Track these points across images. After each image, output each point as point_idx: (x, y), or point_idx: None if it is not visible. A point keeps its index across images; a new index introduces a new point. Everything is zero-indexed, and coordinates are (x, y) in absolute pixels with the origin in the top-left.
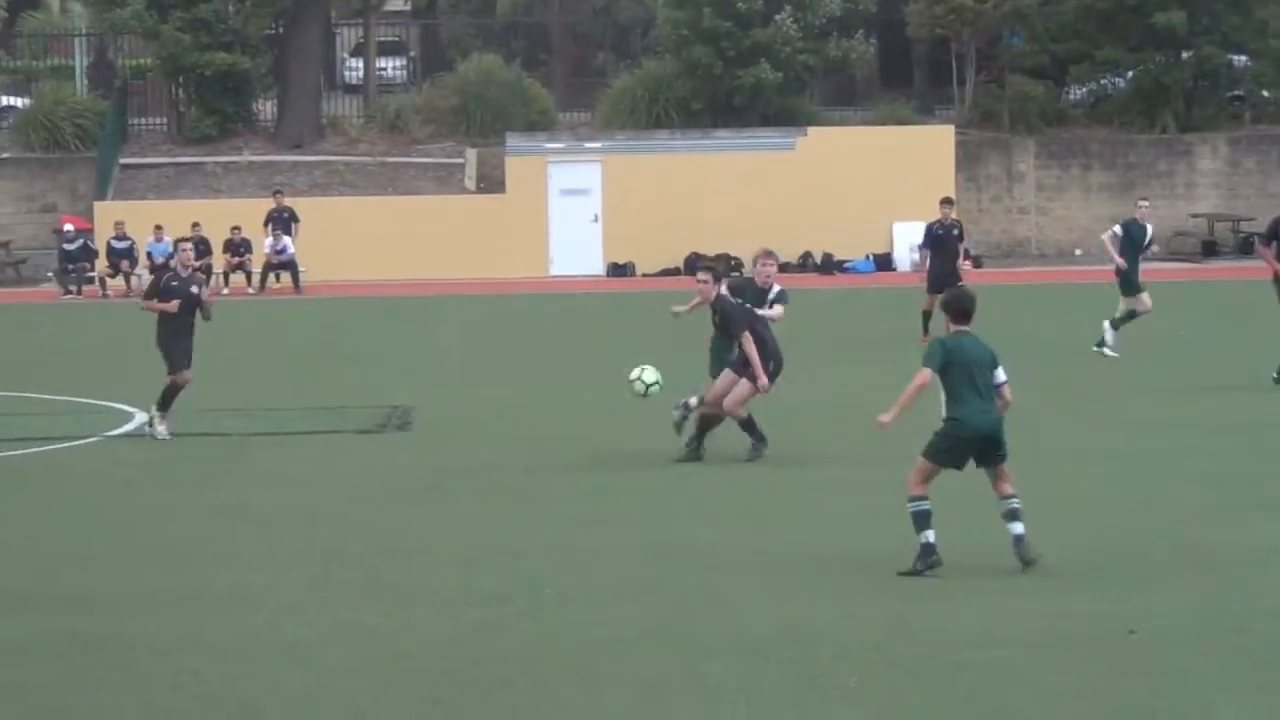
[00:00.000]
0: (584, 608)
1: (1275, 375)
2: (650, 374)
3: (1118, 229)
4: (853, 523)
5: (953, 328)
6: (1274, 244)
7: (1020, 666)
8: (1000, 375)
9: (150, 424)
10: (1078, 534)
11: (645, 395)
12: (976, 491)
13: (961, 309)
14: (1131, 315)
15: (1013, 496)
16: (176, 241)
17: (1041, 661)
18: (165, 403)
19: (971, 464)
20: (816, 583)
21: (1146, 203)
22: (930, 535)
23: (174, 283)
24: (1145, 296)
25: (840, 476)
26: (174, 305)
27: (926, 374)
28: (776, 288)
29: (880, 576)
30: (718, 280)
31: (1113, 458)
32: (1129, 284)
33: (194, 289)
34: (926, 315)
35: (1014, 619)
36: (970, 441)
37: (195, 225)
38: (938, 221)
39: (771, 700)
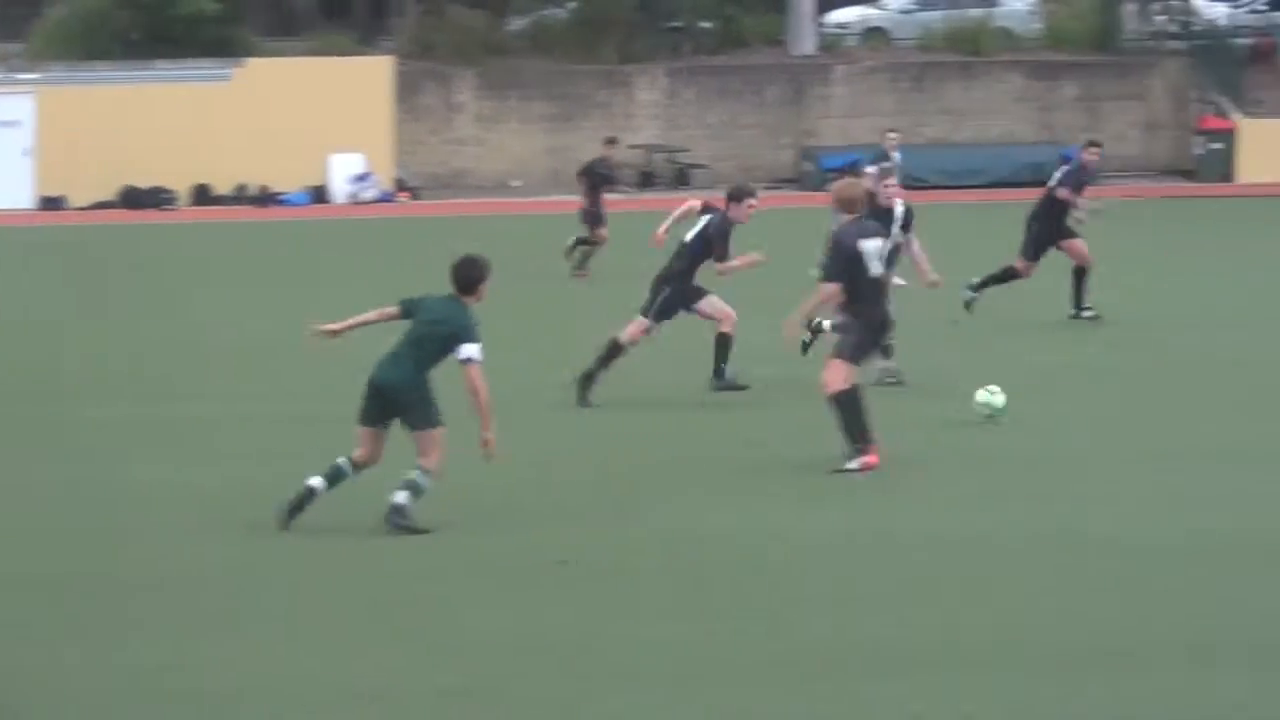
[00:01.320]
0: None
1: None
2: (999, 399)
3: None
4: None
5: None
6: None
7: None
8: (464, 352)
9: None
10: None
11: (991, 417)
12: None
13: (455, 277)
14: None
15: (425, 471)
16: None
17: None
18: None
19: None
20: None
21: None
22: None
23: None
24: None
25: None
26: None
27: (394, 310)
28: (901, 205)
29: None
30: None
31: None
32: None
33: None
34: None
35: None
36: (371, 393)
37: None
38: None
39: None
